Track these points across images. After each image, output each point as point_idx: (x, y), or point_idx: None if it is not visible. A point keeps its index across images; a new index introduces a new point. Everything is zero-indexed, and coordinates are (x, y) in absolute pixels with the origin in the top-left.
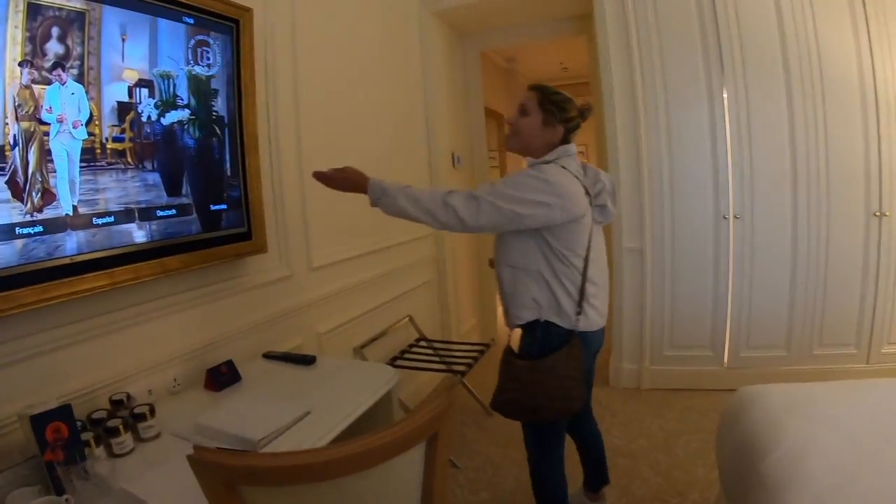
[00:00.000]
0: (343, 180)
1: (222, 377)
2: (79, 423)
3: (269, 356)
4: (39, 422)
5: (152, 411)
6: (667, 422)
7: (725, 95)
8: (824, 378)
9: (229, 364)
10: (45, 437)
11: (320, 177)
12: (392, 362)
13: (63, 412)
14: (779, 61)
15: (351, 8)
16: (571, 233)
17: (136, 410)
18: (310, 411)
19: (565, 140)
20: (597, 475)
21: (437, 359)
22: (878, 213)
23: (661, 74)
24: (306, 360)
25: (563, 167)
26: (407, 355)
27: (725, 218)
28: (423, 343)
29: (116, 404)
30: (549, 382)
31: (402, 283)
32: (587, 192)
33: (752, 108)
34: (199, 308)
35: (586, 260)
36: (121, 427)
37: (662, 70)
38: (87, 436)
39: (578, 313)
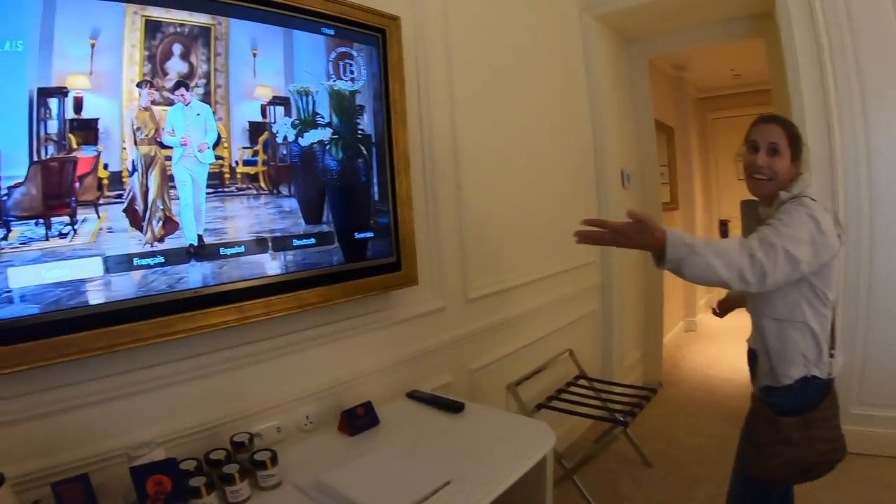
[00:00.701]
0: (632, 235)
1: (358, 420)
2: (194, 462)
3: (413, 396)
4: (140, 473)
5: (274, 459)
6: (846, 497)
7: None
8: None
9: (367, 406)
10: (146, 489)
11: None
12: (548, 402)
13: (167, 466)
14: None
15: (507, 14)
16: (830, 269)
17: (257, 457)
18: (450, 481)
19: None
20: None
21: (597, 402)
22: None
23: (857, 78)
24: (454, 408)
25: (813, 199)
26: (564, 395)
27: None
28: (582, 381)
29: (238, 446)
30: (820, 437)
31: (563, 315)
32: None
33: None
34: (339, 343)
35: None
36: (237, 475)
37: (858, 74)
38: (199, 481)
39: (831, 356)
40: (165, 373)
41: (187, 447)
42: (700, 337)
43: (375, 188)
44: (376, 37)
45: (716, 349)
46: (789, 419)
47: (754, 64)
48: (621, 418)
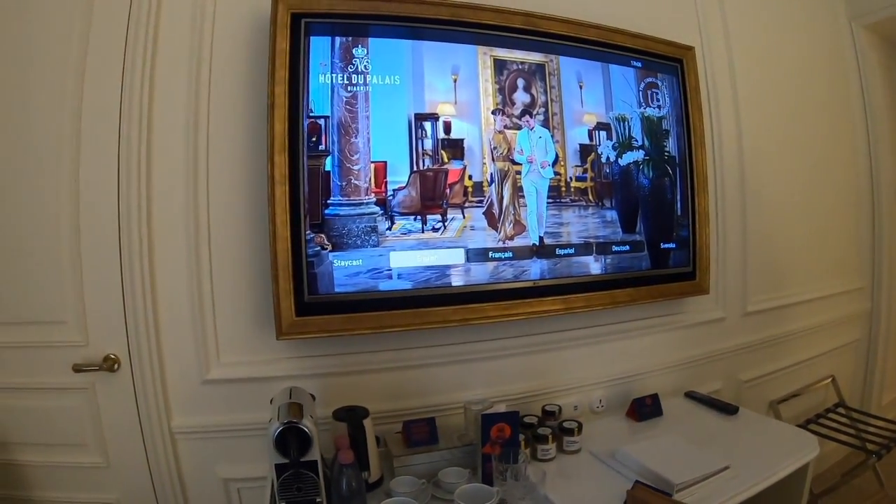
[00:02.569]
0: None
1: (646, 408)
2: None
3: (691, 396)
4: (489, 420)
5: (580, 428)
6: None
7: None
8: None
9: (654, 398)
10: (490, 432)
11: None
12: (805, 425)
13: (512, 417)
14: None
15: (782, 33)
16: None
17: (566, 424)
18: (728, 466)
19: None
20: None
21: (852, 431)
22: None
23: None
24: (729, 410)
25: None
26: (822, 420)
27: None
28: (840, 409)
29: (548, 414)
30: None
31: (828, 340)
32: None
33: None
34: (635, 339)
35: None
36: (550, 436)
37: None
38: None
39: None
40: (500, 346)
41: None
42: None
43: (679, 204)
44: (675, 66)
45: None
46: None
47: None
48: (873, 449)
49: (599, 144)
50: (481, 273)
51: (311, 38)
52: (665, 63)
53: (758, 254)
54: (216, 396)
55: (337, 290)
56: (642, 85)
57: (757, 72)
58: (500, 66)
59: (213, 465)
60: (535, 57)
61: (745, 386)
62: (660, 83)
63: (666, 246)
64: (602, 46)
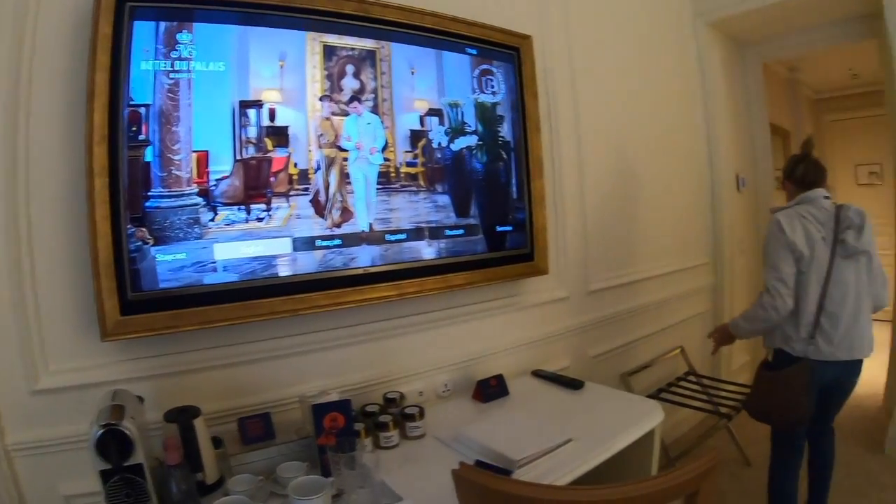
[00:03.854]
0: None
1: (491, 389)
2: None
3: (538, 374)
4: (320, 410)
5: (422, 413)
6: None
7: None
8: None
9: (499, 378)
10: (323, 423)
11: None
12: (657, 395)
13: (343, 405)
14: None
15: (623, 27)
16: (800, 273)
17: (407, 410)
18: (571, 439)
19: (805, 188)
20: (815, 498)
21: (704, 396)
22: None
23: None
24: (574, 385)
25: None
26: (673, 388)
27: None
28: (691, 378)
29: (389, 402)
30: (778, 393)
31: (675, 313)
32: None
33: None
34: (475, 322)
35: (822, 295)
36: (391, 423)
37: None
38: (358, 426)
39: (810, 343)
40: (335, 336)
41: None
42: None
43: (514, 188)
44: (512, 54)
45: None
46: (764, 372)
47: (873, 63)
48: (725, 412)
49: (431, 130)
50: (309, 262)
51: (135, 22)
52: (501, 51)
53: (602, 234)
54: (50, 407)
55: (161, 286)
56: (477, 72)
57: (598, 62)
58: (329, 52)
59: (55, 481)
60: (365, 43)
61: (593, 361)
62: (495, 70)
63: (502, 229)
64: (436, 34)
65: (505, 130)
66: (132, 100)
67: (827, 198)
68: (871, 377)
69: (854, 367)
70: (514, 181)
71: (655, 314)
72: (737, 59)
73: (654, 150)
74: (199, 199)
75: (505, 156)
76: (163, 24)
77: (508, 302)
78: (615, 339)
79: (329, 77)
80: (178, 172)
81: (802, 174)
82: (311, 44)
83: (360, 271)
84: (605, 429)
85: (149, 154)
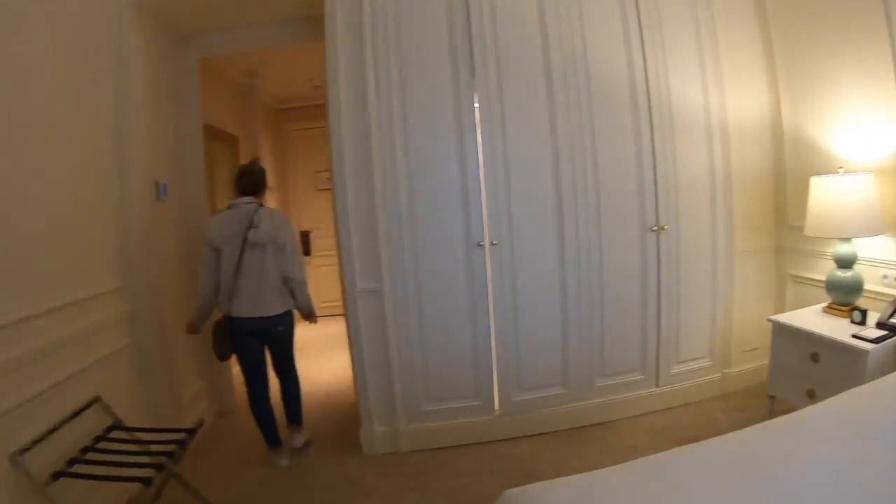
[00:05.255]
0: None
1: None
2: None
3: None
4: None
5: None
6: (434, 496)
7: (477, 105)
8: (613, 411)
9: None
10: None
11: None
12: (69, 467)
13: None
14: (539, 66)
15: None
16: (220, 256)
17: None
18: None
19: (242, 194)
20: (290, 415)
21: (140, 452)
22: (655, 228)
23: (400, 86)
24: None
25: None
26: (91, 453)
27: (480, 245)
28: (118, 433)
29: None
30: (214, 338)
31: (82, 355)
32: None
33: (509, 119)
34: None
35: (235, 276)
36: None
37: (402, 81)
38: None
39: (228, 305)
40: None
41: None
42: None
43: None
44: None
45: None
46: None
47: None
48: (145, 477)
49: None
50: None
51: None
52: None
53: None
54: None
55: None
56: None
57: None
58: None
59: None
60: None
61: None
62: None
63: None
64: None
65: None
66: None
67: (249, 203)
68: (346, 375)
69: (268, 322)
70: None
71: (48, 364)
72: (171, 52)
73: (45, 154)
74: None
75: None
76: None
77: None
78: None
79: None
80: None
81: (239, 185)
82: None
83: None
84: None
85: None
